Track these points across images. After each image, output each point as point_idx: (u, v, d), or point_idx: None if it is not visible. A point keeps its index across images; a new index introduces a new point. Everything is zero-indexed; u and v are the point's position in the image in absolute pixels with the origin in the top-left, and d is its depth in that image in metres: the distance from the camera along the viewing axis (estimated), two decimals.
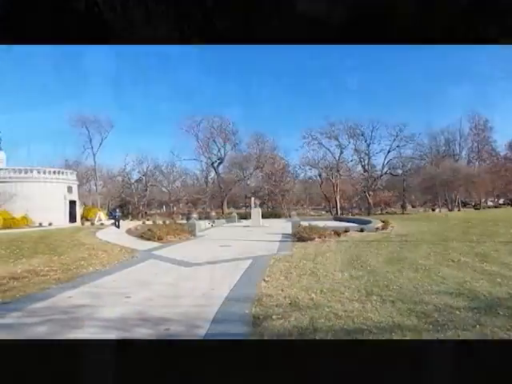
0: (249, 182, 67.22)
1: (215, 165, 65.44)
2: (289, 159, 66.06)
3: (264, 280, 8.30)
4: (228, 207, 68.16)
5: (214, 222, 34.19)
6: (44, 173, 37.22)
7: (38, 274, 10.36)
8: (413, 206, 72.52)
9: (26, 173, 36.17)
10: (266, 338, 4.57)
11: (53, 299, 7.08)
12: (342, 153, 61.58)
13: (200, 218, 34.54)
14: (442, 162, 59.68)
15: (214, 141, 64.71)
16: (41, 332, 5.14)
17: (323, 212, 69.42)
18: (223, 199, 63.07)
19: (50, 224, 33.23)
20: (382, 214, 54.81)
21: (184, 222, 29.99)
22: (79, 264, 11.89)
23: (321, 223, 20.97)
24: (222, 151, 65.11)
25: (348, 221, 32.12)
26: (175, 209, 68.46)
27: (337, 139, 60.65)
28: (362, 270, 9.44)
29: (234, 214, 42.20)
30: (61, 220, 35.61)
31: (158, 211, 73.87)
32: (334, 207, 60.51)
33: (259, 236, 20.73)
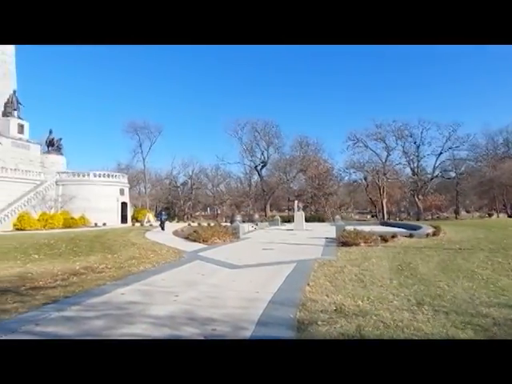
0: (292, 185, 67.01)
1: (258, 168, 65.94)
2: (333, 162, 64.89)
3: (308, 284, 8.22)
4: (271, 210, 68.36)
5: (257, 224, 34.43)
6: (99, 176, 39.81)
7: (94, 270, 11.09)
8: (467, 211, 68.02)
9: (83, 176, 38.90)
10: None
11: (108, 295, 7.53)
12: (389, 155, 59.42)
13: (243, 221, 34.95)
14: (500, 164, 55.40)
15: (257, 144, 65.32)
16: (97, 326, 5.49)
17: (368, 216, 67.35)
18: (266, 202, 63.37)
19: (104, 224, 35.38)
20: (432, 219, 52.07)
21: (228, 224, 30.53)
22: (131, 263, 12.55)
23: (366, 228, 20.34)
24: (266, 154, 65.57)
25: (395, 226, 30.81)
26: (219, 211, 69.93)
27: (384, 141, 58.58)
28: (412, 277, 9.03)
29: (277, 217, 42.25)
30: (113, 220, 37.80)
31: (203, 213, 75.99)
32: (380, 211, 58.47)
33: (302, 239, 20.56)
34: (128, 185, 44.05)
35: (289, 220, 44.46)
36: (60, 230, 29.09)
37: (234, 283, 8.78)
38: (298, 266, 11.05)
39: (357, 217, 66.10)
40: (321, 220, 48.25)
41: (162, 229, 27.22)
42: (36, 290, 8.34)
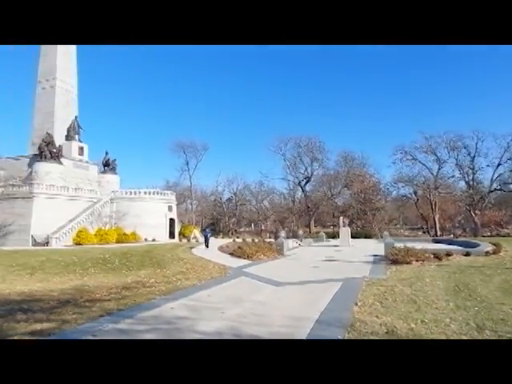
0: (337, 201, 65.59)
1: (302, 183, 65.49)
2: (379, 176, 62.75)
3: (356, 304, 7.94)
4: (315, 226, 67.26)
5: (301, 240, 33.99)
6: (149, 194, 41.82)
7: (145, 284, 11.55)
8: None
9: (135, 194, 41.08)
10: None
11: (158, 309, 7.80)
12: (440, 168, 56.20)
13: (287, 237, 34.69)
14: None
15: (301, 160, 65.09)
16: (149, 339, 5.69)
17: (420, 232, 63.82)
18: (310, 218, 62.49)
19: (153, 240, 36.87)
20: (491, 235, 48.05)
21: (272, 240, 30.46)
22: (178, 278, 12.92)
23: (418, 245, 19.28)
24: (309, 170, 65.02)
25: (450, 243, 28.89)
26: (263, 227, 70.05)
27: (434, 153, 55.68)
28: (471, 299, 8.39)
29: (322, 233, 41.44)
30: (162, 236, 39.31)
31: (247, 229, 76.52)
32: (432, 227, 55.21)
33: (349, 256, 19.95)
34: (175, 202, 45.72)
35: (334, 236, 43.37)
36: (114, 245, 30.77)
37: (280, 301, 8.71)
38: (345, 284, 10.73)
39: (406, 233, 62.85)
40: (367, 236, 46.50)
41: (207, 246, 27.16)
42: (92, 302, 8.85)
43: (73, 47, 45.58)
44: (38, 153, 37.92)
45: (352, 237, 32.50)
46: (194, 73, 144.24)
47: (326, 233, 45.09)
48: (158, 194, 42.72)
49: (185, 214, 65.53)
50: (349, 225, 35.00)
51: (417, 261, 15.63)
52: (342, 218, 34.01)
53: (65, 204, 35.45)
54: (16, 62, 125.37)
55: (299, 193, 69.06)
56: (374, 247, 26.81)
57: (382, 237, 36.14)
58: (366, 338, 5.56)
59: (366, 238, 44.70)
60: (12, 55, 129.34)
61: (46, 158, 37.49)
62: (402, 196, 61.26)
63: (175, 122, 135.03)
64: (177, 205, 46.67)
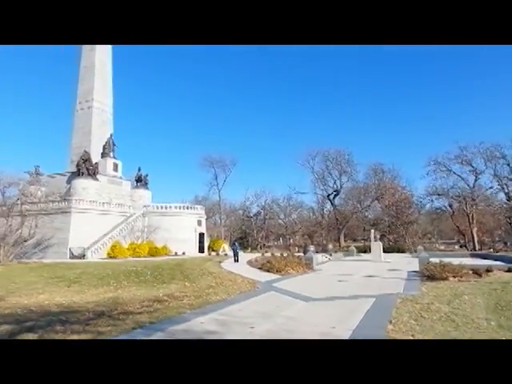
0: (367, 214, 64.12)
1: (331, 197, 64.65)
2: (412, 189, 60.83)
3: (390, 322, 7.66)
4: (345, 240, 65.86)
5: (331, 255, 33.38)
6: (180, 208, 42.70)
7: (176, 298, 11.72)
8: None
9: (166, 208, 42.09)
10: None
11: (188, 323, 7.88)
12: (477, 179, 53.78)
13: (317, 251, 34.17)
14: None
15: (329, 173, 64.46)
16: None
17: (456, 247, 60.88)
18: (340, 232, 61.28)
19: (183, 253, 37.44)
20: None
21: (301, 254, 30.10)
22: (208, 292, 13.01)
23: (455, 260, 18.43)
24: (338, 183, 64.18)
25: (490, 258, 27.36)
26: (292, 241, 69.42)
27: (470, 164, 53.43)
28: None
29: (352, 248, 40.50)
30: (192, 250, 39.85)
31: (276, 243, 76.09)
32: (470, 241, 52.48)
33: (381, 272, 19.34)
34: (205, 216, 46.35)
35: (365, 250, 42.25)
36: (145, 259, 31.51)
37: (310, 317, 8.56)
38: (377, 301, 10.40)
39: (442, 247, 60.12)
40: (400, 251, 44.93)
41: (236, 260, 26.89)
42: (126, 314, 9.08)
43: (109, 70, 48.24)
44: (76, 170, 39.91)
45: (384, 251, 31.54)
46: (222, 91, 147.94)
47: (357, 247, 44.01)
48: (187, 208, 43.53)
49: (214, 228, 66.14)
50: (380, 239, 34.06)
51: (454, 277, 14.92)
52: (373, 231, 33.13)
53: (100, 218, 36.87)
54: (57, 87, 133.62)
55: (328, 206, 68.23)
56: (407, 262, 25.91)
57: (415, 251, 34.84)
58: None
59: (398, 252, 43.23)
60: (53, 80, 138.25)
61: (83, 174, 39.34)
62: (436, 209, 58.88)
63: (205, 138, 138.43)
64: (206, 219, 47.27)
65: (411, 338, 4.53)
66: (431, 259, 18.31)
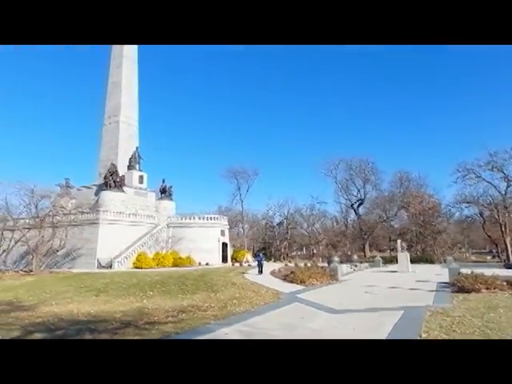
0: (393, 223, 62.58)
1: (355, 206, 63.60)
2: (439, 197, 58.97)
3: (420, 336, 7.39)
4: (370, 250, 64.45)
5: (356, 265, 32.70)
6: (203, 219, 43.16)
7: (200, 308, 11.79)
8: None
9: (189, 219, 42.64)
10: None
11: (213, 334, 7.88)
12: (509, 186, 51.54)
13: (341, 262, 33.56)
14: None
15: (353, 182, 63.57)
16: None
17: (488, 257, 58.33)
18: (365, 242, 60.04)
19: (207, 264, 37.66)
20: None
21: (325, 264, 29.66)
22: (232, 302, 13.02)
23: (487, 271, 17.63)
24: (362, 192, 63.17)
25: None
26: (315, 251, 68.54)
27: (501, 171, 51.31)
28: None
29: (378, 258, 39.48)
30: (215, 260, 40.03)
31: (299, 253, 75.34)
32: (503, 251, 50.11)
33: (408, 283, 18.74)
34: (228, 226, 46.59)
35: (391, 261, 41.16)
36: (170, 269, 31.89)
37: (336, 329, 8.39)
38: (406, 313, 10.08)
39: (473, 257, 57.74)
40: (429, 261, 43.45)
41: (260, 272, 25.60)
42: (151, 324, 9.21)
43: (135, 86, 50.04)
44: (103, 182, 41.22)
45: (412, 261, 30.58)
46: (245, 105, 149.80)
47: (383, 257, 42.93)
48: (211, 218, 43.92)
49: (237, 238, 66.31)
50: (407, 249, 33.05)
51: (487, 289, 14.26)
52: (399, 241, 32.26)
53: (126, 229, 37.77)
54: (86, 105, 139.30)
55: (352, 216, 67.16)
56: (436, 273, 25.02)
57: (445, 262, 33.59)
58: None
59: (427, 262, 41.86)
60: (83, 99, 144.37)
61: (110, 186, 40.56)
62: (466, 217, 56.75)
63: (228, 149, 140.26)
64: (229, 229, 47.50)
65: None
66: (462, 270, 17.59)
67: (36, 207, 33.54)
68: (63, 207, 36.85)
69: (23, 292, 18.86)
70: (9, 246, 32.48)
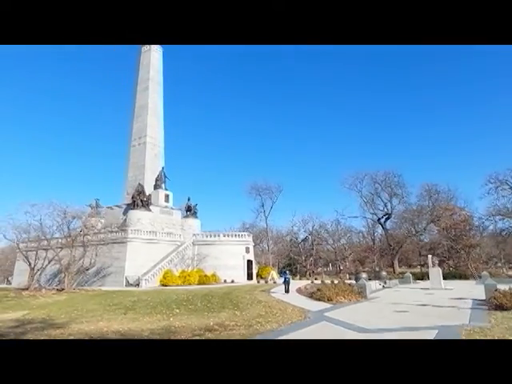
0: (422, 238, 60.43)
1: (382, 220, 61.95)
2: (471, 209, 56.62)
3: None
4: (400, 266, 62.30)
5: (385, 282, 31.68)
6: (228, 236, 43.36)
7: (226, 327, 11.72)
8: None
9: (214, 236, 42.95)
10: None
11: None
12: None
13: (369, 278, 32.62)
14: None
15: (378, 196, 62.17)
16: None
17: None
18: (393, 257, 58.13)
19: (232, 281, 37.60)
20: None
21: (352, 281, 28.92)
22: (258, 321, 12.88)
23: None
24: (389, 206, 61.51)
25: None
26: (341, 267, 67.04)
27: None
28: None
29: (408, 274, 38.08)
30: (240, 277, 39.91)
31: (325, 269, 73.89)
32: None
33: (442, 301, 17.96)
34: (253, 243, 46.56)
35: (422, 277, 39.62)
36: (195, 287, 32.06)
37: None
38: (441, 333, 9.62)
39: (510, 273, 54.60)
40: (462, 277, 41.51)
41: (287, 291, 24.18)
42: None
43: (161, 108, 51.93)
44: (131, 202, 42.43)
45: (444, 278, 29.35)
46: (268, 122, 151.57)
47: (413, 273, 41.36)
48: (235, 236, 44.06)
49: (261, 254, 65.96)
50: (439, 264, 31.76)
51: None
52: (430, 256, 31.09)
53: (153, 247, 38.48)
54: (114, 129, 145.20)
55: (379, 230, 65.47)
56: (470, 289, 23.91)
57: (479, 277, 32.08)
58: None
59: (460, 278, 40.05)
60: (112, 123, 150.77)
61: (137, 206, 41.68)
62: (501, 230, 54.07)
63: (252, 166, 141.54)
64: (254, 246, 47.43)
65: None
66: (499, 286, 16.71)
67: (68, 227, 34.79)
68: (93, 226, 38.04)
69: (56, 310, 19.42)
70: (43, 264, 33.73)
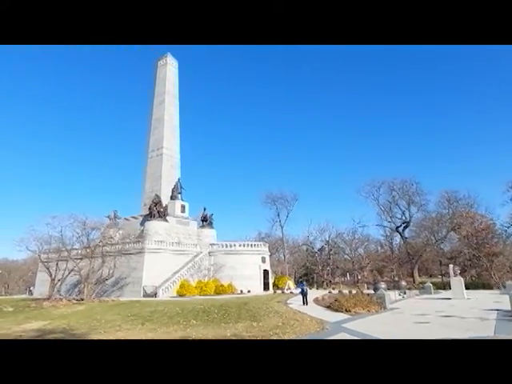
0: (443, 246, 58.90)
1: (400, 229, 60.81)
2: (493, 217, 54.95)
3: None
4: (420, 275, 60.76)
5: (404, 292, 30.98)
6: (244, 246, 43.32)
7: (243, 339, 11.67)
8: None
9: (230, 246, 42.98)
10: None
11: None
12: None
13: (388, 288, 31.97)
14: None
15: (396, 204, 61.15)
16: None
17: None
18: (413, 266, 56.79)
19: (248, 291, 37.44)
20: None
21: (371, 291, 28.38)
22: (275, 332, 12.76)
23: None
24: (407, 214, 60.41)
25: None
26: (359, 277, 65.84)
27: None
28: None
29: (429, 284, 37.12)
30: (257, 287, 39.70)
31: (342, 279, 72.72)
32: None
33: (464, 311, 17.40)
34: (269, 253, 46.36)
35: (444, 287, 38.60)
36: (212, 297, 32.06)
37: None
38: None
39: None
40: (485, 287, 40.13)
41: (305, 303, 23.09)
42: None
43: (177, 120, 52.93)
44: (148, 212, 43.03)
45: (466, 288, 28.50)
46: (283, 133, 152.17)
47: (434, 283, 40.27)
48: (251, 245, 43.98)
49: (277, 264, 65.47)
50: (461, 273, 30.89)
51: None
52: (451, 266, 30.26)
53: (170, 257, 38.78)
54: (131, 142, 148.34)
55: (397, 239, 64.22)
56: (495, 300, 23.08)
57: (504, 287, 30.91)
58: None
59: (483, 288, 38.73)
60: (129, 136, 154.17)
61: (154, 216, 42.23)
62: None
63: (267, 176, 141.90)
64: (269, 256, 47.21)
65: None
66: None
67: (87, 238, 35.53)
68: (112, 237, 38.70)
69: (75, 320, 19.74)
70: (63, 275, 34.45)
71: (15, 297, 46.66)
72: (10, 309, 27.59)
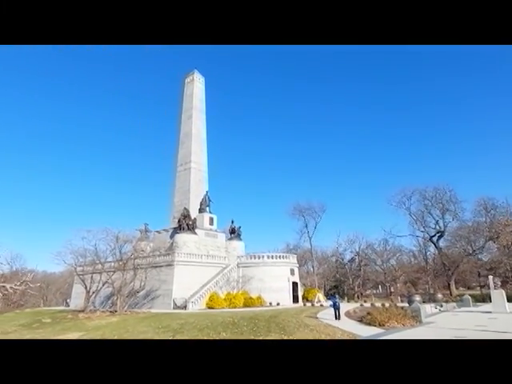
0: (481, 257, 56.02)
1: (434, 239, 58.36)
2: None
3: None
4: (457, 288, 57.95)
5: (441, 305, 29.60)
6: (272, 257, 43.08)
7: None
8: None
9: (259, 258, 42.88)
10: None
11: None
12: None
13: (423, 301, 30.68)
14: None
15: (429, 213, 58.87)
16: None
17: None
18: (449, 278, 54.19)
19: (277, 304, 37.04)
20: None
21: (405, 304, 27.34)
22: None
23: None
24: (441, 223, 57.93)
25: None
26: (392, 289, 63.63)
27: None
28: None
29: (467, 297, 35.29)
30: (286, 300, 39.21)
31: (374, 291, 70.58)
32: None
33: (508, 326, 16.38)
34: (297, 264, 45.84)
35: (483, 299, 36.56)
36: (241, 309, 31.97)
37: None
38: None
39: None
40: None
41: (337, 317, 21.51)
42: None
43: (204, 134, 54.20)
44: (177, 225, 43.87)
45: (508, 300, 26.84)
46: (311, 144, 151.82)
47: (472, 296, 38.21)
48: (280, 257, 43.64)
49: (306, 276, 64.51)
50: (502, 285, 29.25)
51: None
52: (491, 277, 28.71)
53: (199, 270, 39.19)
54: (159, 159, 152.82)
55: (432, 249, 61.66)
56: None
57: None
58: None
59: None
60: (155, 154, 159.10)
61: (183, 229, 42.97)
62: None
63: (294, 187, 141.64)
64: (298, 267, 46.66)
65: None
66: None
67: (120, 251, 36.61)
68: (143, 250, 39.66)
69: (109, 331, 20.28)
70: (97, 287, 35.58)
71: (53, 308, 48.56)
72: (48, 320, 28.76)
